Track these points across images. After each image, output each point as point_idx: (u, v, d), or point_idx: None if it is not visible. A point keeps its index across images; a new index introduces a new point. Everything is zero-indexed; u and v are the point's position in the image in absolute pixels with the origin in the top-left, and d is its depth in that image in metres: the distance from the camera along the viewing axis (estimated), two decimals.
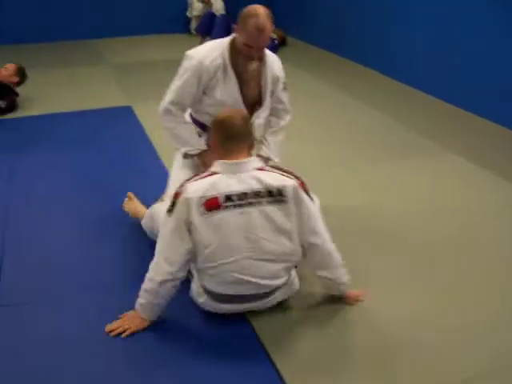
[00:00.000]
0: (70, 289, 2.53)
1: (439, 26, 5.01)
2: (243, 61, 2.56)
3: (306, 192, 2.18)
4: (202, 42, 6.80)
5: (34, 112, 4.83)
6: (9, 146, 4.10)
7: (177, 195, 2.12)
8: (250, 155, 2.24)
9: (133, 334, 2.20)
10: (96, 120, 4.67)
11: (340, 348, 2.18)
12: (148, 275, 2.19)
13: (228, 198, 2.08)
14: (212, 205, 2.08)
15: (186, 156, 2.73)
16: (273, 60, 2.72)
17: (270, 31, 2.47)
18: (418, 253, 2.79)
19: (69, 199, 3.35)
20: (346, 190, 3.46)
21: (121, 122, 4.62)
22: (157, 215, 2.60)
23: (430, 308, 2.38)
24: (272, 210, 2.11)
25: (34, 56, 6.65)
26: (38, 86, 5.32)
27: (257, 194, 2.10)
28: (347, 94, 5.32)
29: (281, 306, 2.34)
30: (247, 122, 2.27)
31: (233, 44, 2.57)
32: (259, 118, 2.74)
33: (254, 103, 2.71)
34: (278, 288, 2.23)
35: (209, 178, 2.13)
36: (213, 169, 2.17)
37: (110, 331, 2.21)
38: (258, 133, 2.72)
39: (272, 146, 2.83)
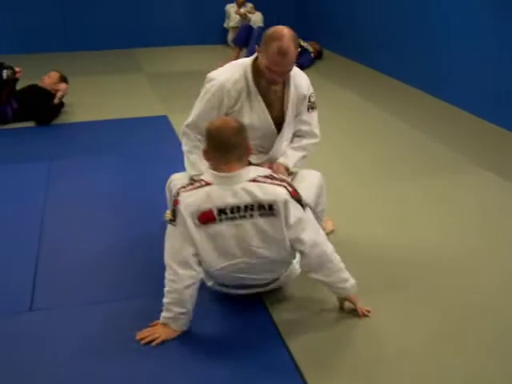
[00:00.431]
0: (105, 294, 2.57)
1: (475, 43, 4.97)
2: (266, 82, 2.48)
3: (298, 200, 2.20)
4: (238, 54, 6.88)
5: (73, 119, 4.94)
6: (47, 152, 4.20)
7: (176, 202, 2.17)
8: (243, 165, 2.20)
9: (163, 342, 2.23)
10: (132, 128, 4.75)
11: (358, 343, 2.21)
12: (168, 288, 2.23)
13: (221, 211, 2.14)
14: (207, 218, 2.16)
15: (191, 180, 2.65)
16: (299, 79, 2.61)
17: (294, 55, 2.37)
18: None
19: (105, 205, 3.42)
20: (372, 211, 3.42)
21: (156, 131, 4.68)
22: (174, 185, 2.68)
23: None
24: (263, 222, 2.17)
25: (74, 64, 6.78)
26: (77, 94, 5.43)
27: (249, 208, 2.14)
28: (382, 109, 5.28)
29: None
30: (237, 132, 2.18)
31: (255, 64, 2.48)
32: (281, 142, 2.65)
33: (279, 124, 2.63)
34: (278, 278, 2.40)
35: (202, 189, 2.16)
36: (206, 178, 2.20)
37: (141, 339, 2.24)
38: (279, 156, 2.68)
39: (289, 155, 2.68)
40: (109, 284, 2.65)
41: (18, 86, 4.90)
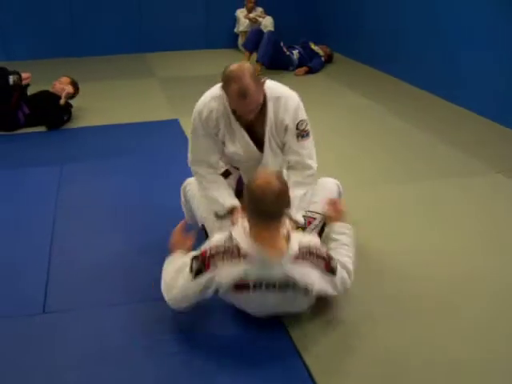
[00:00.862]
0: (117, 297, 2.58)
1: (496, 48, 4.95)
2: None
3: (332, 270, 2.20)
4: (248, 58, 6.90)
5: (84, 123, 4.97)
6: (59, 156, 4.23)
7: (207, 266, 2.10)
8: (282, 228, 2.12)
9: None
10: (143, 132, 4.77)
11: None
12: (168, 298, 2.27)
13: (256, 285, 2.11)
14: (241, 288, 2.13)
15: (216, 216, 2.59)
16: (284, 106, 2.44)
17: (256, 93, 2.25)
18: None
19: (116, 209, 3.43)
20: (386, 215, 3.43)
21: (168, 135, 4.70)
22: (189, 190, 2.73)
23: None
24: (292, 293, 2.15)
25: (85, 69, 6.83)
26: (89, 99, 5.47)
27: (283, 285, 2.12)
28: (393, 113, 5.26)
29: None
30: (281, 197, 2.03)
31: None
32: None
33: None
34: None
35: (240, 266, 2.08)
36: (243, 245, 2.08)
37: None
38: None
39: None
40: (121, 287, 2.66)
41: (30, 92, 4.94)
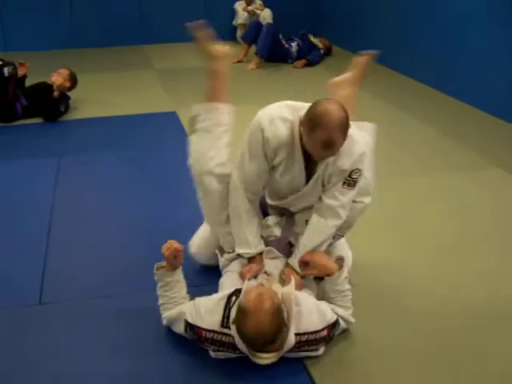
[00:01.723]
0: (113, 288, 2.58)
1: (492, 48, 4.93)
2: None
3: (331, 338, 2.14)
4: (247, 51, 6.87)
5: (82, 115, 4.95)
6: (57, 148, 4.22)
7: (199, 339, 2.08)
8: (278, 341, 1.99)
9: None
10: (141, 124, 4.76)
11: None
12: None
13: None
14: None
15: (220, 251, 2.46)
16: (345, 149, 2.12)
17: (340, 145, 2.03)
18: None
19: (114, 200, 3.43)
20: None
21: (165, 127, 4.69)
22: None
23: None
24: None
25: (84, 61, 6.81)
26: (87, 91, 5.45)
27: None
28: (392, 105, 5.26)
29: None
30: (275, 337, 1.93)
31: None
32: (300, 203, 2.35)
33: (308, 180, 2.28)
34: None
35: (234, 354, 2.06)
36: (241, 347, 1.99)
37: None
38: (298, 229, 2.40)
39: (301, 249, 2.30)
40: (118, 278, 2.65)
41: (28, 83, 4.91)
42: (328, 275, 2.21)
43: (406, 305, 2.46)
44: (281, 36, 6.77)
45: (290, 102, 2.23)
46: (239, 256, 2.37)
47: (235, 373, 2.07)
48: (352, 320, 2.22)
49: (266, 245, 2.39)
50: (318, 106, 2.03)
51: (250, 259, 2.33)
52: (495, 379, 2.07)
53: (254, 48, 6.78)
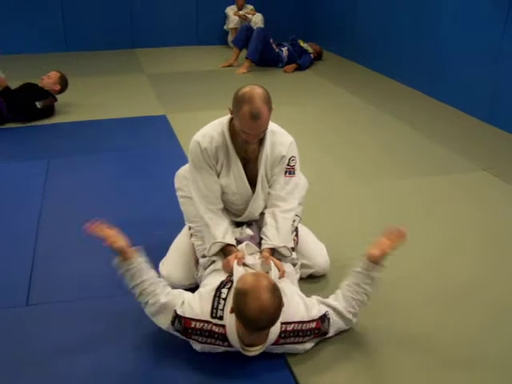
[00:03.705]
0: (101, 290, 2.59)
1: (478, 44, 4.99)
2: (243, 141, 2.34)
3: (324, 333, 2.17)
4: (238, 55, 6.91)
5: (72, 118, 4.96)
6: (46, 151, 4.22)
7: (186, 331, 2.09)
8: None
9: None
10: (131, 128, 4.77)
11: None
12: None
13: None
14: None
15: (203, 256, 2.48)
16: (280, 139, 2.43)
17: (267, 117, 2.24)
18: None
19: (103, 203, 3.42)
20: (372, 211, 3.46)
21: (155, 130, 4.71)
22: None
23: None
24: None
25: (76, 64, 6.83)
26: (78, 94, 5.46)
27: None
28: (381, 110, 5.30)
29: None
30: (275, 319, 1.96)
31: (232, 123, 2.37)
32: (256, 203, 2.49)
33: (255, 185, 2.46)
34: None
35: (222, 347, 2.09)
36: (230, 338, 2.04)
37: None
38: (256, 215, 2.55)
39: (270, 235, 2.40)
40: (106, 280, 2.63)
41: (15, 85, 4.90)
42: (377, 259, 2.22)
43: (394, 303, 2.49)
44: (271, 40, 6.81)
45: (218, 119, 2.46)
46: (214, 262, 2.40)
47: (218, 369, 2.10)
48: (348, 316, 2.22)
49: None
50: (240, 89, 2.27)
51: (226, 254, 2.36)
52: (489, 368, 2.11)
53: (244, 52, 6.81)
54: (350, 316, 2.22)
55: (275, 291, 1.95)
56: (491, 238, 3.08)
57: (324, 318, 2.16)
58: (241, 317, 1.94)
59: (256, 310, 1.89)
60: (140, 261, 2.20)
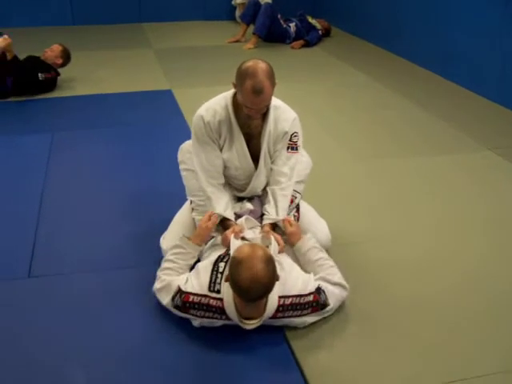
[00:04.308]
0: (103, 263, 2.60)
1: (483, 25, 4.91)
2: (246, 115, 2.34)
3: (322, 306, 2.18)
4: (245, 30, 6.85)
5: (76, 93, 4.94)
6: (51, 124, 4.22)
7: (185, 305, 2.12)
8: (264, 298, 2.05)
9: None
10: (136, 102, 4.76)
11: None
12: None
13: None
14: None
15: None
16: (283, 115, 2.43)
17: (270, 91, 2.24)
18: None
19: (106, 177, 3.45)
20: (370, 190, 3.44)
21: (160, 105, 4.69)
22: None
23: None
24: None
25: (82, 38, 6.79)
26: (83, 68, 5.44)
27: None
28: (388, 87, 5.25)
29: None
30: (268, 289, 1.98)
31: (235, 97, 2.36)
32: (258, 179, 2.50)
33: (257, 160, 2.47)
34: None
35: (220, 321, 2.11)
36: (228, 311, 2.06)
37: None
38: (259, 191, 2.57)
39: (270, 211, 2.44)
40: (107, 253, 2.68)
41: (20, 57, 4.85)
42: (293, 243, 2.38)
43: (393, 283, 2.50)
44: (279, 16, 6.74)
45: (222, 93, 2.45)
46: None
47: (216, 343, 2.12)
48: (339, 281, 2.26)
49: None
50: (244, 63, 2.26)
51: (225, 228, 2.40)
52: (478, 356, 2.11)
53: (252, 28, 6.75)
54: (340, 280, 2.26)
55: (269, 262, 1.97)
56: (494, 217, 3.07)
57: (319, 290, 2.18)
58: (234, 285, 1.97)
59: (248, 280, 1.91)
60: (196, 254, 2.35)
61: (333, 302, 2.22)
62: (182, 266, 2.30)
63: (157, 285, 2.26)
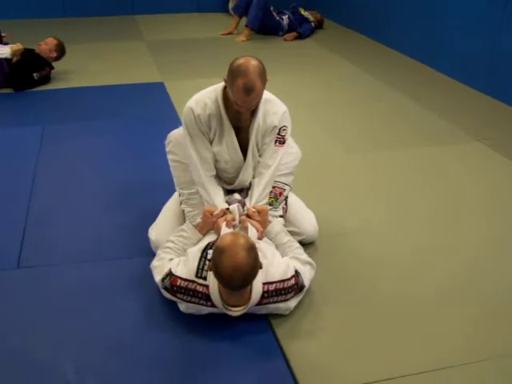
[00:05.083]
0: (92, 254, 2.62)
1: (474, 12, 4.92)
2: (235, 111, 2.35)
3: (301, 287, 2.23)
4: (238, 23, 6.84)
5: (69, 85, 4.93)
6: (41, 116, 4.22)
7: (172, 288, 2.15)
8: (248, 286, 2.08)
9: None
10: (128, 94, 4.76)
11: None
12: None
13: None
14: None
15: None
16: (273, 109, 2.44)
17: (261, 90, 2.25)
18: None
19: (97, 169, 3.46)
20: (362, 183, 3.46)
21: (152, 97, 4.69)
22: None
23: None
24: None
25: (74, 30, 6.76)
26: (75, 61, 5.42)
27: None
28: (379, 79, 5.26)
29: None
30: (249, 277, 2.00)
31: (225, 91, 2.36)
32: (247, 171, 2.51)
33: (246, 153, 2.48)
34: None
35: (206, 308, 2.13)
36: (213, 298, 2.09)
37: None
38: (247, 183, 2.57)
39: (256, 195, 2.48)
40: (97, 244, 2.69)
41: None
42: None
43: (382, 273, 2.52)
44: (272, 8, 6.73)
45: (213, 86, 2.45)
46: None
47: (202, 331, 2.14)
48: (307, 259, 2.34)
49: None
50: (236, 60, 2.26)
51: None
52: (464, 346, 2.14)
53: (244, 20, 6.74)
54: (308, 259, 2.34)
55: (251, 251, 1.99)
56: (485, 208, 3.10)
57: (297, 273, 2.21)
58: (216, 274, 1.99)
59: (229, 268, 1.94)
60: (196, 236, 2.39)
61: (307, 283, 2.27)
62: (180, 248, 2.35)
63: (154, 262, 2.33)
